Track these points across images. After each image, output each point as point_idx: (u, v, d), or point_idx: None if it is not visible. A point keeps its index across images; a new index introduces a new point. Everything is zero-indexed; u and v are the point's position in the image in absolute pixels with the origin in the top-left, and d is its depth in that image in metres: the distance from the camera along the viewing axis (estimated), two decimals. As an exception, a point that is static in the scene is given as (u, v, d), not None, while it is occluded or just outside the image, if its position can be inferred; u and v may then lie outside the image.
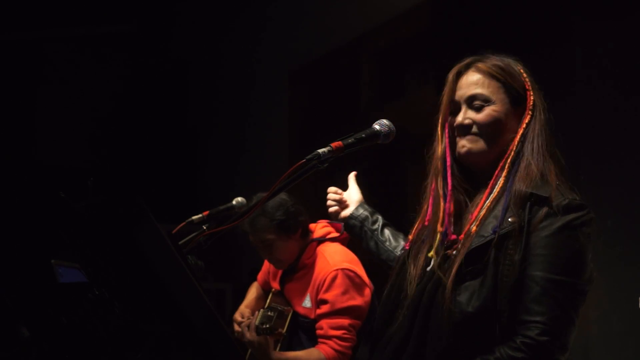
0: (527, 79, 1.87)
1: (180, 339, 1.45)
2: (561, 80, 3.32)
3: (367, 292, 2.93)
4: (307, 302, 2.95)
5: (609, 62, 3.23)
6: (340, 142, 1.70)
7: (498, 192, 1.78)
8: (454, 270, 1.71)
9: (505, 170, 1.80)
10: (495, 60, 1.88)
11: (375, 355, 1.86)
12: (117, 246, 1.49)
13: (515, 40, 3.55)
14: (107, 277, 1.53)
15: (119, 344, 1.51)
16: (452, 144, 1.88)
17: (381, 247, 2.20)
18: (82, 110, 6.95)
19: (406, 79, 4.55)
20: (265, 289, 3.28)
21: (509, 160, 1.80)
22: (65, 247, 1.61)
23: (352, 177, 2.35)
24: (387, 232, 2.21)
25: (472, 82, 1.85)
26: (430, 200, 1.90)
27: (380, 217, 2.24)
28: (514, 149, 1.81)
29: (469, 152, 1.83)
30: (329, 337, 2.82)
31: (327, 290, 2.85)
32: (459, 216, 1.84)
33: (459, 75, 1.89)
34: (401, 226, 4.60)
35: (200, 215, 2.85)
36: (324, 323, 2.84)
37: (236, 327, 3.00)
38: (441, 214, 1.85)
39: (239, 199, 2.99)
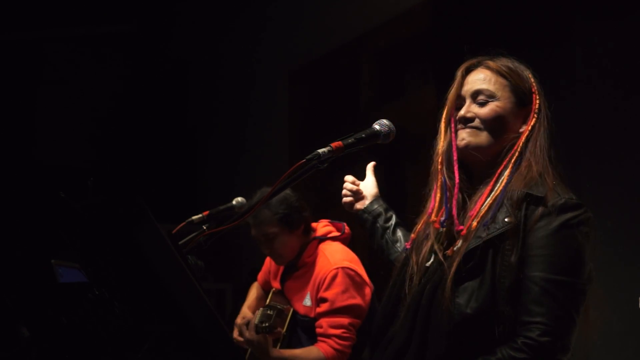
0: (534, 84, 1.88)
1: (180, 339, 1.45)
2: (561, 80, 3.32)
3: (367, 291, 2.93)
4: (307, 301, 2.95)
5: (609, 62, 3.23)
6: (340, 142, 1.70)
7: (500, 191, 1.77)
8: (452, 271, 1.71)
9: (508, 170, 1.79)
10: (505, 61, 1.90)
11: (377, 355, 1.86)
12: (117, 246, 1.49)
13: (515, 40, 3.55)
14: (107, 277, 1.53)
15: (119, 344, 1.51)
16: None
17: (391, 247, 2.19)
18: (82, 110, 6.96)
19: (406, 79, 4.55)
20: (266, 288, 3.28)
21: (513, 159, 1.80)
22: (65, 247, 1.61)
23: (370, 168, 2.34)
24: (399, 232, 2.21)
25: (479, 78, 1.86)
26: (434, 195, 1.89)
27: (394, 215, 2.23)
28: (519, 149, 1.81)
29: (468, 145, 1.83)
30: (329, 336, 2.82)
31: (327, 288, 2.86)
32: (461, 212, 1.84)
33: (468, 71, 1.90)
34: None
35: (200, 215, 2.85)
36: (323, 322, 2.84)
37: (236, 335, 3.00)
38: (443, 206, 1.84)
39: (239, 199, 2.99)
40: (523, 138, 1.82)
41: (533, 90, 1.87)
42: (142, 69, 7.33)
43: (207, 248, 1.66)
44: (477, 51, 1.95)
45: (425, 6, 4.32)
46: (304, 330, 2.97)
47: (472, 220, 1.76)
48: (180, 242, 1.76)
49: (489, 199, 1.78)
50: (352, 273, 2.89)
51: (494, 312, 1.68)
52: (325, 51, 5.27)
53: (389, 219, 2.22)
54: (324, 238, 3.05)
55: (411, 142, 4.29)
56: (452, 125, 1.89)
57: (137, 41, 7.30)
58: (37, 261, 1.69)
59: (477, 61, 1.91)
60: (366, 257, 3.21)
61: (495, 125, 1.82)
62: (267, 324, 2.84)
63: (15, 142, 6.75)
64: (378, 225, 2.21)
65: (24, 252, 1.69)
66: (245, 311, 3.20)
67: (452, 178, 1.85)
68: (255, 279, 3.39)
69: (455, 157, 1.86)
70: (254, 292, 3.33)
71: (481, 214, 1.76)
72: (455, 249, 1.77)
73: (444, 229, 1.84)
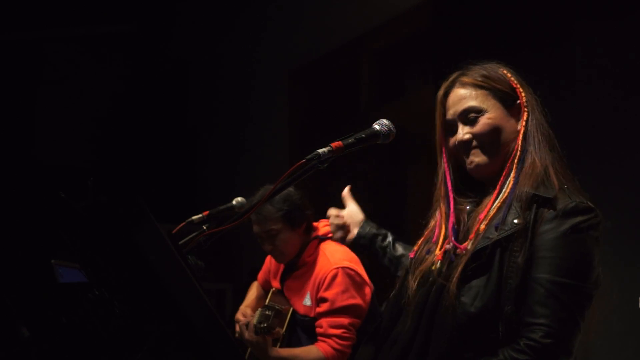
0: (512, 79, 1.87)
1: (180, 339, 1.45)
2: (561, 80, 3.32)
3: (368, 291, 2.93)
4: (307, 301, 2.95)
5: (609, 62, 3.23)
6: (340, 142, 1.70)
7: (508, 193, 1.78)
8: (459, 270, 1.72)
9: (513, 171, 1.80)
10: (477, 70, 1.89)
11: (381, 355, 1.86)
12: (117, 246, 1.49)
13: (515, 40, 3.55)
14: (107, 277, 1.53)
15: (119, 344, 1.51)
16: (451, 165, 1.90)
17: (397, 264, 2.18)
18: (82, 110, 6.96)
19: (406, 79, 4.56)
20: (266, 288, 3.29)
21: (516, 160, 1.81)
22: (65, 247, 1.61)
23: (347, 195, 2.29)
24: (399, 247, 2.20)
25: (460, 97, 1.86)
26: (436, 222, 1.91)
27: (388, 233, 2.23)
28: (519, 148, 1.81)
29: (478, 166, 1.84)
30: (329, 336, 2.82)
31: (327, 288, 2.86)
32: (466, 228, 1.85)
33: (446, 94, 1.90)
34: (401, 227, 4.60)
35: (200, 215, 2.85)
36: (323, 321, 2.84)
37: (237, 328, 3.01)
38: (442, 233, 1.85)
39: (239, 199, 2.99)
40: (520, 136, 1.82)
41: (515, 86, 1.86)
42: (142, 69, 7.33)
43: (207, 248, 1.66)
44: (447, 69, 1.94)
45: (425, 6, 4.32)
46: (303, 330, 2.97)
47: (481, 223, 1.76)
48: (180, 242, 1.76)
49: (497, 202, 1.78)
50: (352, 273, 2.90)
51: (498, 312, 1.67)
52: (325, 51, 5.26)
53: (385, 238, 2.22)
54: (324, 238, 3.05)
55: (411, 142, 4.29)
56: (444, 155, 1.90)
57: (137, 41, 7.30)
58: (37, 261, 1.69)
59: (451, 81, 1.90)
60: (365, 257, 3.21)
61: (493, 137, 1.83)
62: (265, 325, 2.84)
63: (15, 142, 6.75)
64: (377, 247, 2.21)
65: (24, 252, 1.69)
66: (245, 309, 3.20)
67: (448, 211, 1.87)
68: (255, 279, 3.39)
69: (450, 188, 1.88)
70: (253, 291, 3.34)
71: (489, 216, 1.76)
72: (464, 249, 1.76)
73: (450, 246, 1.84)
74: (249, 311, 3.17)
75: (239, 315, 3.14)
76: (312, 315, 2.93)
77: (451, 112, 1.87)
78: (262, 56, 6.06)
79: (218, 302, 6.05)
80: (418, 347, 1.75)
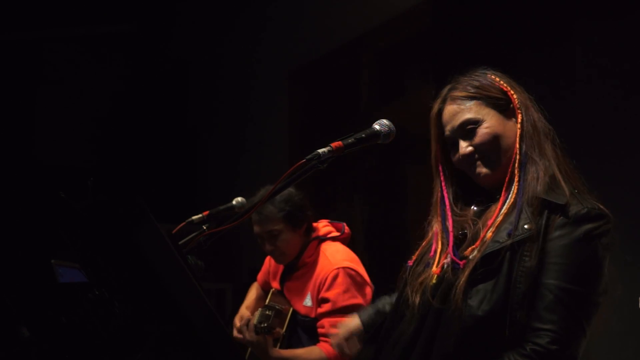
0: (501, 83, 1.87)
1: (180, 339, 1.45)
2: (561, 79, 3.32)
3: (368, 291, 2.93)
4: (308, 301, 2.95)
5: (609, 62, 3.23)
6: (340, 142, 1.70)
7: (514, 199, 1.77)
8: (466, 274, 1.71)
9: (516, 175, 1.80)
10: (466, 81, 1.88)
11: (383, 355, 1.86)
12: (117, 246, 1.49)
13: (515, 40, 3.55)
14: (107, 277, 1.53)
15: (119, 344, 1.51)
16: (449, 182, 1.90)
17: None
18: (82, 110, 6.96)
19: (406, 79, 4.55)
20: (265, 289, 3.28)
21: (517, 164, 1.80)
22: (65, 247, 1.61)
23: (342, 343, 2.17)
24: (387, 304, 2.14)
25: (455, 112, 1.86)
26: (433, 236, 1.89)
27: (379, 304, 2.16)
28: (518, 152, 1.81)
29: (487, 176, 1.84)
30: (329, 335, 2.82)
31: (328, 288, 2.86)
32: (468, 240, 1.84)
33: (440, 112, 1.90)
34: (401, 227, 4.60)
35: (200, 215, 2.85)
36: (325, 321, 2.84)
37: (235, 333, 3.00)
38: (441, 256, 1.84)
39: (239, 199, 2.99)
40: (517, 139, 1.82)
41: (504, 89, 1.86)
42: (142, 69, 7.33)
43: (207, 248, 1.66)
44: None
45: (425, 6, 4.32)
46: (304, 331, 2.97)
47: (487, 230, 1.76)
48: (180, 242, 1.76)
49: (504, 208, 1.78)
50: (353, 273, 2.90)
51: (505, 316, 1.67)
52: (325, 51, 5.26)
53: (384, 306, 2.13)
54: (324, 238, 3.05)
55: (411, 142, 4.29)
56: (441, 174, 1.90)
57: (137, 41, 7.30)
58: (37, 261, 1.69)
59: (443, 98, 1.90)
60: (365, 257, 3.21)
61: (494, 145, 1.83)
62: (265, 325, 2.84)
63: (15, 142, 6.75)
64: (381, 316, 2.09)
65: (24, 252, 1.69)
66: (244, 311, 3.20)
67: (446, 230, 1.86)
68: (255, 279, 3.39)
69: (447, 206, 1.87)
70: (253, 292, 3.33)
71: (497, 224, 1.76)
72: (471, 256, 1.76)
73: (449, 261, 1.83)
74: (247, 314, 3.17)
75: (237, 320, 3.13)
76: (312, 315, 2.93)
77: (449, 129, 1.87)
78: (262, 56, 6.06)
79: (218, 302, 6.05)
80: (421, 348, 1.75)
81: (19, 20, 6.63)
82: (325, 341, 2.82)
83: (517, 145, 1.81)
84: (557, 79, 3.32)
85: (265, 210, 2.94)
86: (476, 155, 1.84)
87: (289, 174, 1.65)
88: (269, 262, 3.24)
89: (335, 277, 2.87)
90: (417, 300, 1.81)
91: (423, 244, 1.94)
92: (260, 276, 3.32)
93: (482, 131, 1.83)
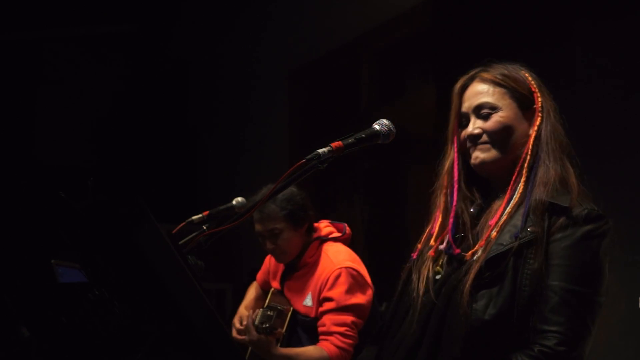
0: (532, 82, 1.87)
1: (180, 339, 1.45)
2: (561, 79, 3.32)
3: (369, 292, 2.93)
4: (309, 301, 2.95)
5: (609, 62, 3.23)
6: (340, 142, 1.70)
7: (518, 199, 1.77)
8: (471, 277, 1.71)
9: (523, 176, 1.80)
10: (498, 68, 1.88)
11: (385, 356, 1.86)
12: (117, 246, 1.49)
13: (515, 40, 3.55)
14: (107, 277, 1.53)
15: (119, 344, 1.51)
16: (460, 158, 1.89)
17: None
18: (82, 110, 6.96)
19: (406, 79, 4.56)
20: (265, 288, 3.28)
21: (525, 164, 1.80)
22: (65, 247, 1.61)
23: None
24: None
25: (478, 91, 1.86)
26: (438, 214, 1.90)
27: None
28: (529, 152, 1.81)
29: (483, 162, 1.84)
30: (331, 333, 2.82)
31: (330, 288, 2.86)
32: (469, 228, 1.84)
33: (464, 87, 1.89)
34: (401, 227, 4.60)
35: (200, 215, 2.85)
36: (326, 319, 2.84)
37: (234, 333, 3.00)
38: (445, 231, 1.84)
39: (239, 199, 2.99)
40: (531, 140, 1.82)
41: (533, 89, 1.86)
42: (142, 69, 7.33)
43: (207, 248, 1.66)
44: (470, 65, 1.94)
45: (425, 6, 4.32)
46: (304, 330, 2.97)
47: (492, 231, 1.76)
48: (180, 242, 1.76)
49: (508, 208, 1.78)
50: (354, 273, 2.90)
51: (511, 319, 1.68)
52: (325, 51, 5.27)
53: None
54: (326, 238, 3.05)
55: (411, 142, 4.29)
56: (455, 145, 1.90)
57: (137, 41, 7.30)
58: (37, 261, 1.69)
59: (471, 75, 1.90)
60: (366, 257, 3.21)
61: (504, 136, 1.82)
62: (267, 325, 2.84)
63: (15, 142, 6.75)
64: None
65: (24, 252, 1.69)
66: (243, 311, 3.20)
67: (451, 202, 1.87)
68: (255, 279, 3.39)
69: (455, 178, 1.87)
70: (252, 291, 3.33)
71: (500, 224, 1.76)
72: (475, 257, 1.75)
73: (446, 255, 1.83)
74: (246, 314, 3.17)
75: (235, 320, 3.13)
76: (312, 315, 2.93)
77: (466, 105, 1.87)
78: (262, 56, 6.06)
79: (218, 302, 6.05)
80: (426, 350, 1.75)
81: (19, 20, 6.63)
82: (326, 339, 2.82)
83: (530, 146, 1.81)
84: (557, 79, 3.32)
85: (266, 209, 2.94)
86: (482, 139, 1.83)
87: (289, 174, 1.65)
88: (269, 262, 3.24)
89: (337, 277, 2.87)
90: (422, 291, 1.81)
91: (427, 231, 1.94)
92: (260, 276, 3.32)
93: (496, 118, 1.83)
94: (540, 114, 1.84)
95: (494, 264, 1.71)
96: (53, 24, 6.79)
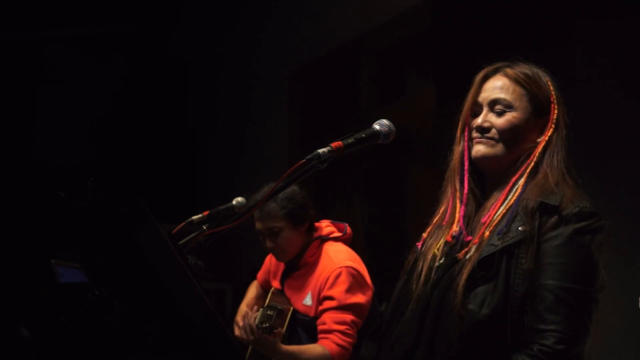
0: (553, 92, 1.87)
1: (180, 339, 1.45)
2: (561, 79, 3.31)
3: (369, 292, 2.93)
4: (308, 300, 2.95)
5: (609, 62, 3.23)
6: (340, 142, 1.70)
7: (514, 201, 1.78)
8: (464, 277, 1.71)
9: (523, 179, 1.80)
10: (523, 68, 1.88)
11: (382, 354, 1.86)
12: (117, 246, 1.49)
13: (515, 40, 3.55)
14: (107, 277, 1.53)
15: (119, 344, 1.51)
16: (471, 147, 1.89)
17: None
18: (82, 110, 6.96)
19: (406, 79, 4.56)
20: (265, 287, 3.29)
21: (528, 169, 1.80)
22: (65, 247, 1.61)
23: None
24: None
25: (497, 86, 1.85)
26: (448, 202, 1.90)
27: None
28: (535, 159, 1.81)
29: (484, 157, 1.84)
30: (331, 331, 2.82)
31: (331, 287, 2.86)
32: (472, 218, 1.84)
33: (486, 78, 1.89)
34: (401, 227, 4.58)
35: (200, 215, 2.85)
36: (327, 318, 2.84)
37: (237, 331, 3.00)
38: (457, 216, 1.85)
39: (239, 199, 3.00)
40: (540, 148, 1.82)
41: (552, 99, 1.86)
42: (142, 69, 7.33)
43: (207, 248, 1.66)
44: (494, 58, 1.93)
45: (425, 6, 4.32)
46: (304, 329, 2.98)
47: (485, 229, 1.76)
48: (180, 242, 1.76)
49: (502, 208, 1.78)
50: (355, 273, 2.90)
51: (506, 319, 1.68)
52: (325, 51, 5.27)
53: None
54: (326, 238, 3.05)
55: (411, 142, 4.29)
56: (466, 133, 1.90)
57: (137, 41, 7.30)
58: (37, 261, 1.69)
59: (495, 67, 1.89)
60: (365, 257, 3.21)
61: (511, 136, 1.82)
62: (267, 325, 2.84)
63: (15, 142, 6.75)
64: None
65: (24, 252, 1.69)
66: (244, 309, 3.20)
67: (461, 189, 1.87)
68: (255, 279, 3.39)
69: (466, 167, 1.88)
70: (253, 290, 3.34)
71: (494, 223, 1.76)
72: (467, 255, 1.76)
73: (454, 240, 1.84)
74: (248, 311, 3.17)
75: (238, 318, 3.13)
76: (312, 314, 2.93)
77: (483, 96, 1.86)
78: (262, 56, 6.06)
79: (218, 302, 6.05)
80: (423, 351, 1.75)
81: (19, 20, 6.63)
82: (327, 337, 2.82)
83: (537, 154, 1.81)
84: (557, 79, 3.32)
85: (267, 207, 2.94)
86: (489, 134, 1.83)
87: (289, 174, 1.65)
88: (269, 261, 3.24)
89: (338, 276, 2.87)
90: (422, 281, 1.81)
91: (435, 219, 1.94)
92: (260, 275, 3.32)
93: (509, 117, 1.83)
94: (553, 126, 1.84)
95: (486, 263, 1.71)
96: (53, 24, 6.79)
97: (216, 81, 6.85)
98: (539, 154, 1.81)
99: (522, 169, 1.81)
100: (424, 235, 1.94)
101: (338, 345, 2.80)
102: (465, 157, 1.88)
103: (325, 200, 4.97)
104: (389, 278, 2.14)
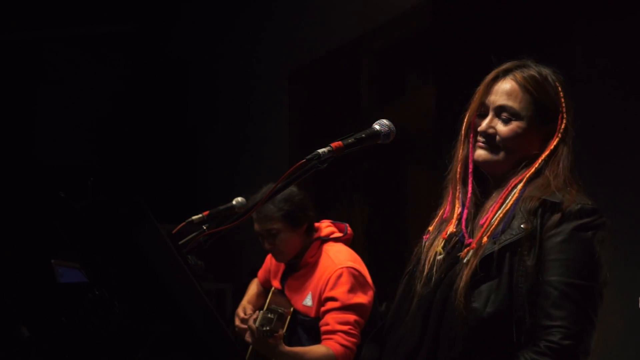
0: (562, 99, 1.85)
1: (180, 339, 1.45)
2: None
3: (370, 292, 2.93)
4: (309, 301, 2.95)
5: (609, 62, 3.23)
6: (340, 142, 1.70)
7: (512, 204, 1.78)
8: (466, 276, 1.72)
9: (521, 184, 1.80)
10: (533, 72, 1.86)
11: (385, 354, 1.86)
12: (117, 246, 1.49)
13: (515, 40, 3.55)
14: (107, 277, 1.53)
15: (119, 344, 1.51)
16: (474, 149, 1.89)
17: None
18: (82, 110, 6.96)
19: (406, 79, 4.55)
20: (266, 286, 3.29)
21: (528, 175, 1.81)
22: (65, 247, 1.61)
23: None
24: None
25: (506, 91, 1.84)
26: (449, 200, 1.91)
27: None
28: (537, 166, 1.81)
29: (485, 162, 1.85)
30: (335, 332, 2.81)
31: (332, 287, 2.86)
32: (473, 219, 1.85)
33: (496, 79, 1.87)
34: (401, 227, 4.59)
35: (200, 215, 2.85)
36: (330, 318, 2.84)
37: (237, 322, 3.01)
38: (455, 216, 1.86)
39: (239, 199, 3.00)
40: (543, 156, 1.82)
41: (561, 107, 1.85)
42: (142, 69, 7.33)
43: (207, 248, 1.66)
44: (505, 58, 1.92)
45: (425, 6, 4.32)
46: (304, 330, 2.98)
47: (483, 234, 1.76)
48: (180, 242, 1.76)
49: (499, 212, 1.78)
50: (356, 273, 2.90)
51: (510, 317, 1.68)
52: (325, 51, 5.26)
53: None
54: (327, 239, 3.05)
55: (411, 142, 4.29)
56: (471, 134, 1.89)
57: (137, 41, 7.30)
58: (37, 261, 1.69)
59: (506, 69, 1.88)
60: (366, 257, 3.21)
61: (514, 145, 1.83)
62: (267, 328, 2.83)
63: (15, 142, 6.75)
64: None
65: (24, 252, 1.69)
66: (246, 304, 3.21)
67: (465, 192, 1.87)
68: (255, 277, 3.39)
69: (470, 170, 1.88)
70: (253, 287, 3.33)
71: (492, 227, 1.76)
72: (467, 258, 1.76)
73: (455, 238, 1.84)
74: (249, 307, 3.18)
75: (239, 311, 3.14)
76: (312, 315, 2.93)
77: (491, 99, 1.85)
78: (262, 56, 6.06)
79: (218, 302, 6.05)
80: (427, 350, 1.75)
81: (19, 20, 6.63)
82: (331, 338, 2.82)
83: (540, 162, 1.81)
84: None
85: (264, 209, 2.94)
86: (492, 140, 1.84)
87: (289, 174, 1.65)
88: (269, 261, 3.24)
89: (339, 276, 2.87)
90: (424, 280, 1.81)
91: (438, 216, 1.94)
92: (261, 273, 3.32)
93: (514, 127, 1.82)
94: (559, 136, 1.84)
95: (488, 262, 1.72)
96: (53, 24, 6.79)
97: (216, 81, 6.85)
98: (542, 161, 1.82)
99: (522, 174, 1.82)
100: (430, 228, 1.95)
101: (342, 345, 2.80)
102: (470, 160, 1.89)
103: (325, 200, 4.97)
104: (389, 278, 2.14)
